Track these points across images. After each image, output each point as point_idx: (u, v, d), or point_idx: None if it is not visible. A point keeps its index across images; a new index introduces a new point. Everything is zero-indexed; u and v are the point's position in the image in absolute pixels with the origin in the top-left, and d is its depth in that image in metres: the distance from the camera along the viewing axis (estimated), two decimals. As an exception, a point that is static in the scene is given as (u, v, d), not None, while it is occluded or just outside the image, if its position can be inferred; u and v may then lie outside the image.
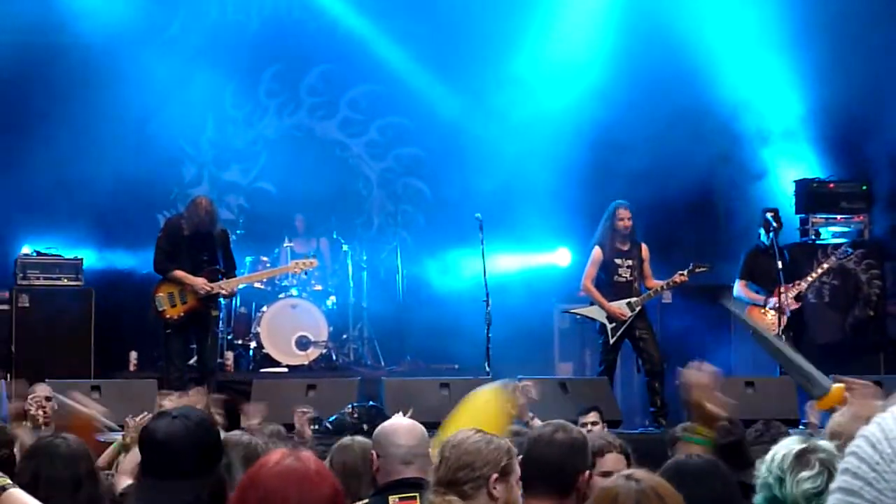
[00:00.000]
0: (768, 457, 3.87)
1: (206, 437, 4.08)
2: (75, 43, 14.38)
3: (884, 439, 2.21)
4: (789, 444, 3.88)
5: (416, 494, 4.67)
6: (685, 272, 12.32)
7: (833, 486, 2.30)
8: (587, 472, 4.58)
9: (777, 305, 12.60)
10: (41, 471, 4.82)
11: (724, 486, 4.24)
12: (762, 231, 12.86)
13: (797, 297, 12.87)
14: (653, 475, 3.50)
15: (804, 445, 3.81)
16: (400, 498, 4.73)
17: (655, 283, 12.40)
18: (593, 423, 9.58)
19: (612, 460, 5.45)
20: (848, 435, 3.78)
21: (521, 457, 4.51)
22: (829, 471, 3.68)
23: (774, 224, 12.73)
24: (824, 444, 3.87)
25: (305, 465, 3.04)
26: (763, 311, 12.83)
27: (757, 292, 12.98)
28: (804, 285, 12.99)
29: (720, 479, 4.27)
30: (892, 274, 14.73)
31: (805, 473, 3.72)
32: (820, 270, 13.19)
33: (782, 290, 12.56)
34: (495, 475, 4.30)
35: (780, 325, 12.52)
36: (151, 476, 4.03)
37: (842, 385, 6.40)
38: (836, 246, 13.58)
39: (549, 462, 4.57)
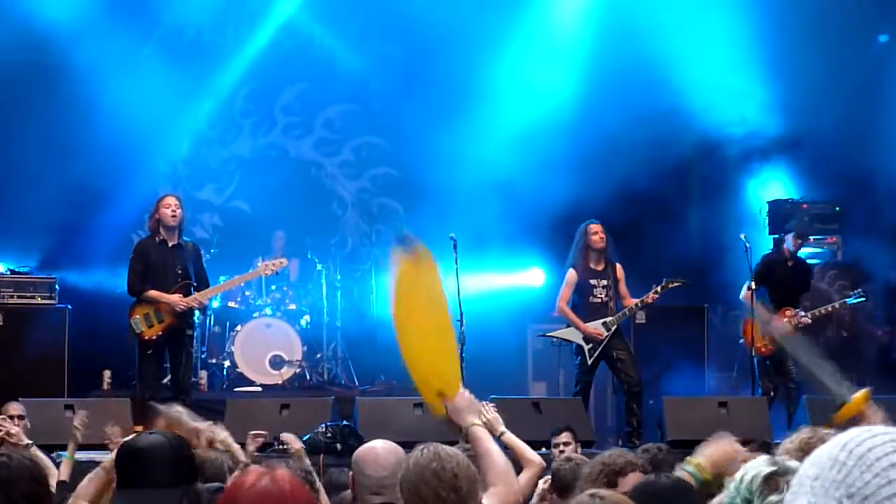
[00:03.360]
0: (737, 477, 3.87)
1: (184, 449, 4.10)
2: (49, 62, 14.36)
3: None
4: (758, 466, 3.87)
5: None
6: (658, 288, 12.23)
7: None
8: None
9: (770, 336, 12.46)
10: None
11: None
12: (787, 239, 12.71)
13: (796, 328, 12.58)
14: (616, 493, 3.52)
15: (774, 468, 3.79)
16: None
17: (631, 302, 12.33)
18: (566, 444, 9.56)
19: (633, 480, 5.09)
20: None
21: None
22: None
23: (791, 243, 12.62)
24: (794, 464, 3.83)
25: (280, 487, 3.06)
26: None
27: (761, 300, 12.64)
28: (807, 320, 12.63)
29: (688, 499, 4.29)
30: (869, 295, 14.79)
31: (773, 497, 3.70)
32: (831, 308, 12.92)
33: (788, 314, 12.49)
34: None
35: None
36: (130, 488, 4.01)
37: (865, 391, 6.34)
38: (847, 287, 13.50)
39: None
